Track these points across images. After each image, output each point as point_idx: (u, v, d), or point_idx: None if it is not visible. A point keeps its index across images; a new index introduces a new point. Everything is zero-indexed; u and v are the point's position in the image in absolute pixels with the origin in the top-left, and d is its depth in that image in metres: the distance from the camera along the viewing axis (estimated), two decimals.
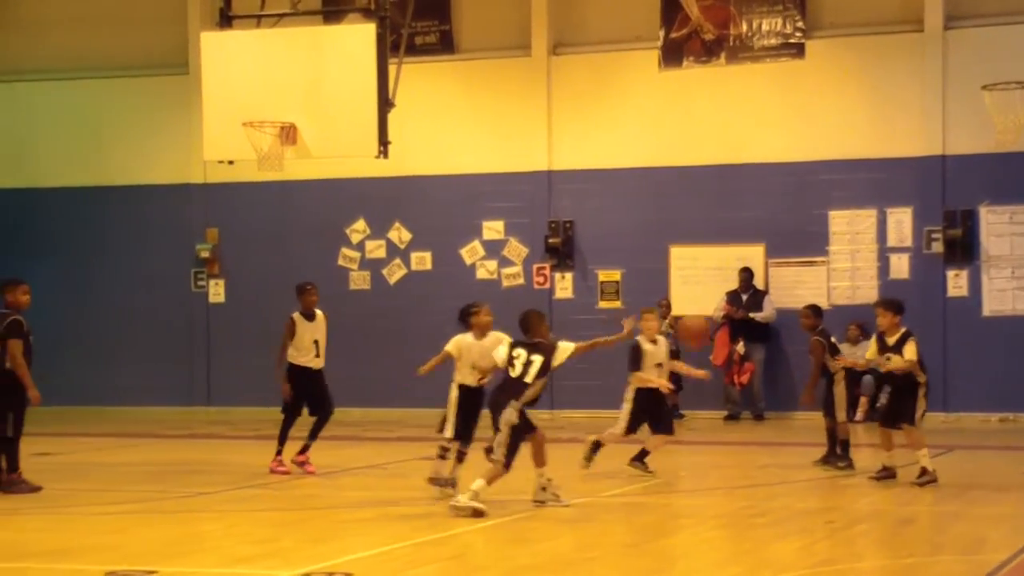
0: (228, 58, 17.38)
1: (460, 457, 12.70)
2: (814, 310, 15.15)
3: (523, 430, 11.92)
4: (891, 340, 13.63)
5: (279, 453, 14.86)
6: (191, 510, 12.61)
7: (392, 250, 23.05)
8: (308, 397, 14.95)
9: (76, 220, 24.09)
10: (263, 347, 23.04)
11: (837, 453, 14.69)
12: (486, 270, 22.70)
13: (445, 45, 22.95)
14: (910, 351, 13.50)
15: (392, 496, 13.10)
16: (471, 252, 22.76)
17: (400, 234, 23.03)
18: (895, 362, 13.54)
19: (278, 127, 16.93)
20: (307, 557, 10.03)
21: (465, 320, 13.01)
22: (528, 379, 11.92)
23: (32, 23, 24.38)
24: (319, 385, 14.97)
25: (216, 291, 23.71)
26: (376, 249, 23.10)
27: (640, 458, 14.29)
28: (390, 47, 17.32)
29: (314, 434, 14.90)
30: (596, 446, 14.33)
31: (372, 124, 16.96)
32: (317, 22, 19.39)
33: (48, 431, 17.94)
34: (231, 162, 18.07)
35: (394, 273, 23.01)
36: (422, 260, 22.92)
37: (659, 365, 14.19)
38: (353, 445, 15.73)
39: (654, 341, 14.21)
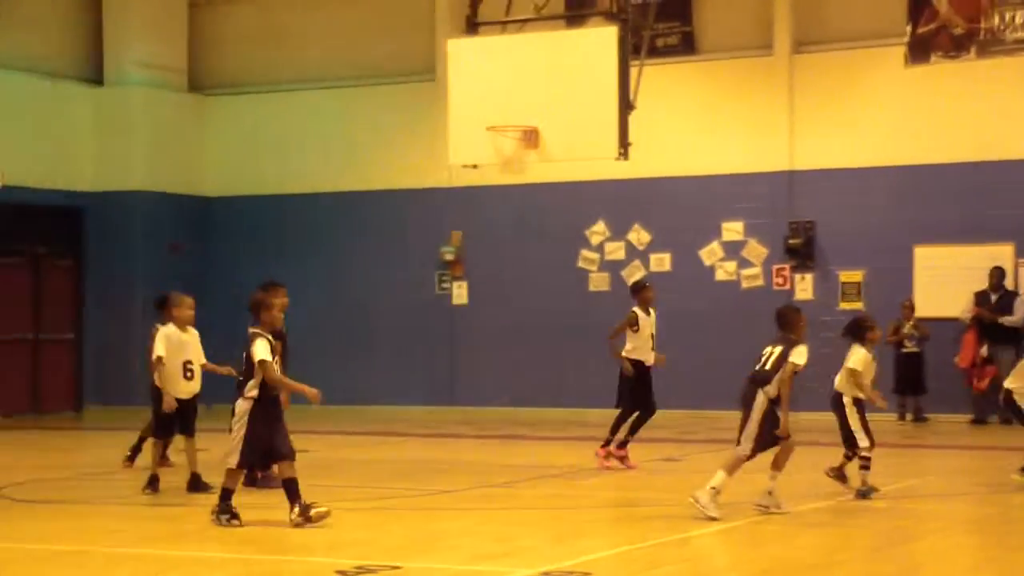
0: (473, 64, 17.70)
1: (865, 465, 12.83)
2: None
3: (773, 425, 11.83)
4: None
5: (608, 444, 15.12)
6: (436, 507, 12.90)
7: (631, 251, 23.12)
8: (641, 392, 15.31)
9: (328, 224, 24.82)
10: (505, 348, 23.53)
11: None
12: (725, 271, 22.59)
13: (686, 46, 22.91)
14: None
15: (635, 497, 13.18)
16: (710, 253, 22.68)
17: (639, 235, 23.08)
18: None
19: (521, 131, 17.16)
20: (547, 556, 10.18)
21: (859, 335, 12.96)
22: (768, 367, 11.85)
23: (292, 35, 25.28)
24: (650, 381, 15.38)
25: (459, 293, 24.13)
26: (615, 251, 23.20)
27: None
28: (631, 49, 17.39)
29: (635, 430, 15.23)
30: None
31: (613, 126, 17.05)
32: (560, 26, 19.57)
33: (302, 429, 18.49)
34: (475, 166, 18.40)
35: (633, 274, 23.03)
36: (661, 261, 22.92)
37: None
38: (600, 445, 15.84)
39: None
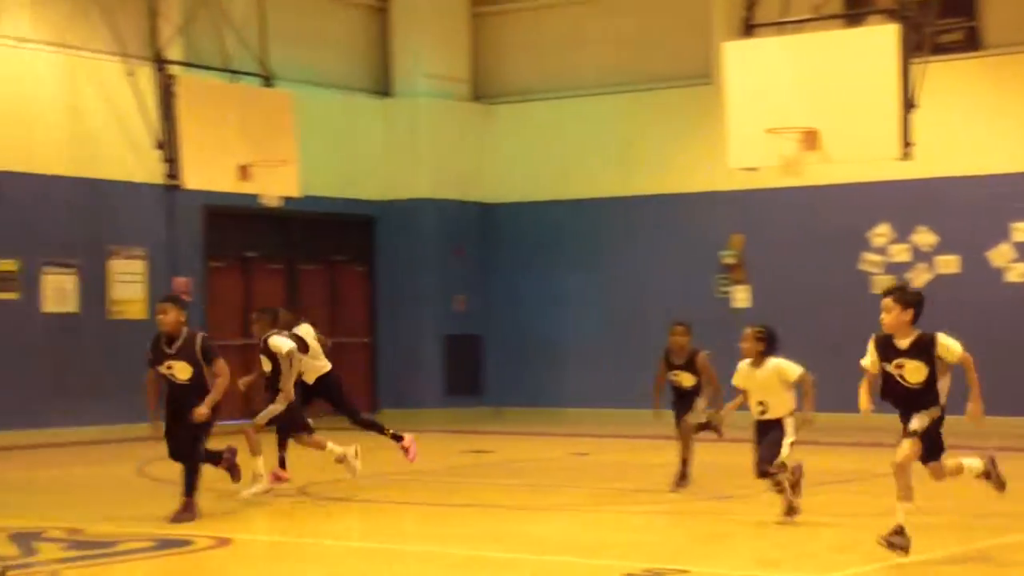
0: (750, 66, 17.74)
1: None
2: None
3: None
4: None
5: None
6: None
7: (916, 254, 22.61)
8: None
9: (608, 229, 25.05)
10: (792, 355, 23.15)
11: None
12: (1016, 273, 21.92)
13: (971, 42, 22.33)
14: None
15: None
16: (999, 255, 22.04)
17: (925, 237, 22.58)
18: None
19: (800, 133, 17.11)
20: None
21: None
22: None
23: (570, 43, 25.62)
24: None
25: (741, 297, 23.99)
26: (900, 253, 22.74)
27: None
28: (912, 47, 17.17)
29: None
30: None
31: (894, 126, 16.88)
32: (838, 26, 19.42)
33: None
34: (755, 169, 18.41)
35: (919, 277, 22.57)
36: (948, 264, 22.36)
37: None
38: None
39: None
